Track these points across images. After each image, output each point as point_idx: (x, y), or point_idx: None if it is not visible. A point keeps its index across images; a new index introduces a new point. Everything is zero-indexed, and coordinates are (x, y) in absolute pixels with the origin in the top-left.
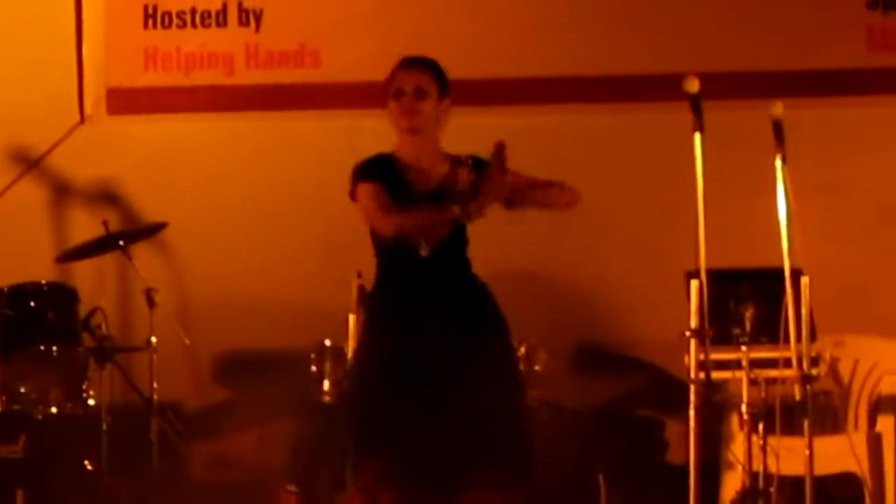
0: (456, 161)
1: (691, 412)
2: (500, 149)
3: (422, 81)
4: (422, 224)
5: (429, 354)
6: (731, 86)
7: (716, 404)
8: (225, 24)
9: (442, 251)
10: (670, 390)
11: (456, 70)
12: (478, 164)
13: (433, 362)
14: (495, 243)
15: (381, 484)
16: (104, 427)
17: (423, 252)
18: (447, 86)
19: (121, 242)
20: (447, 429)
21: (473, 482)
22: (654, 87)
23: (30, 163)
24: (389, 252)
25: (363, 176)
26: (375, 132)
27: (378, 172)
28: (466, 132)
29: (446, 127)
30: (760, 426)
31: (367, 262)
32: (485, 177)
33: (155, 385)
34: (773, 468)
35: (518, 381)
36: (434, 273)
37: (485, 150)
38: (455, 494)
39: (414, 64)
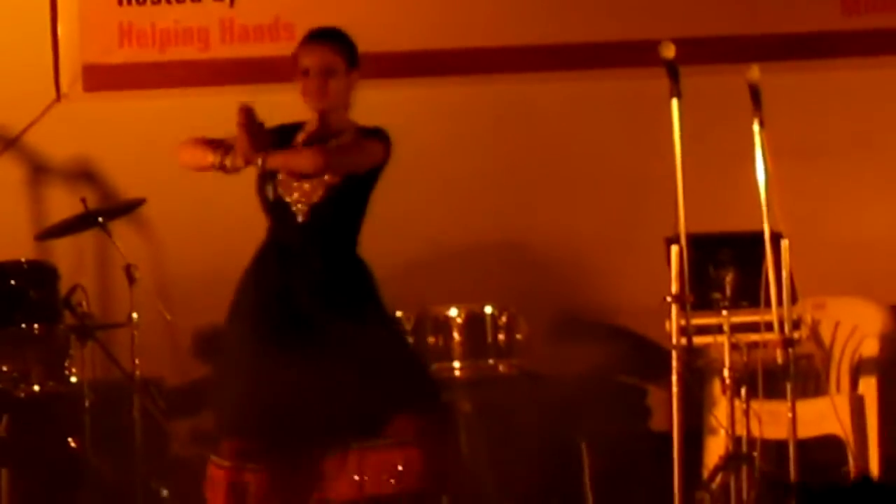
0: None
1: (673, 378)
2: (241, 111)
3: (328, 59)
4: (189, 157)
5: (290, 321)
6: (707, 51)
7: (698, 370)
8: None
9: (322, 220)
10: (652, 357)
11: (429, 41)
12: (365, 133)
13: (293, 330)
14: (474, 213)
15: (241, 461)
16: (87, 404)
17: (300, 217)
18: (356, 57)
19: (100, 219)
20: (307, 400)
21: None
22: (630, 54)
23: (7, 141)
24: (270, 214)
25: None
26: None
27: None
28: (443, 102)
29: (357, 95)
30: (743, 391)
31: None
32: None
33: (137, 361)
34: (756, 432)
35: (394, 343)
36: (309, 241)
37: (464, 119)
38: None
39: (319, 40)
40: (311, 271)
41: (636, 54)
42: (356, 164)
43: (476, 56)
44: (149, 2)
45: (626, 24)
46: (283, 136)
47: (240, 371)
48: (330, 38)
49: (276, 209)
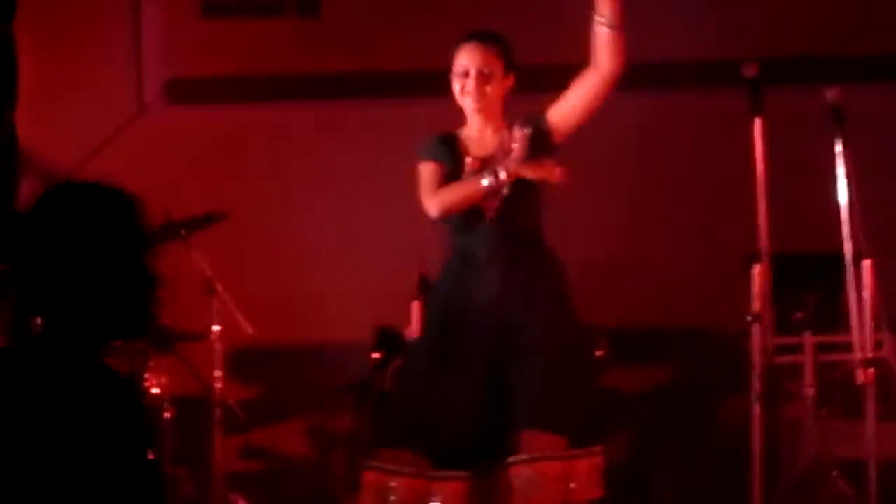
0: (512, 125)
1: (754, 397)
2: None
3: (487, 62)
4: (460, 198)
5: (483, 318)
6: (790, 71)
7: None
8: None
9: (509, 215)
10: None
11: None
12: (531, 121)
13: (486, 329)
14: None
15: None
16: (166, 416)
17: (489, 214)
18: (513, 62)
19: (182, 232)
20: (490, 414)
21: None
22: (714, 74)
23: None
24: (454, 219)
25: (421, 156)
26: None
27: (435, 151)
28: None
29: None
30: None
31: None
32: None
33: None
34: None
35: (574, 349)
36: (500, 236)
37: None
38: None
39: (479, 41)
40: (503, 267)
41: (719, 74)
42: None
43: None
44: None
45: (710, 44)
46: (442, 148)
47: (428, 381)
48: (489, 41)
49: (464, 213)
